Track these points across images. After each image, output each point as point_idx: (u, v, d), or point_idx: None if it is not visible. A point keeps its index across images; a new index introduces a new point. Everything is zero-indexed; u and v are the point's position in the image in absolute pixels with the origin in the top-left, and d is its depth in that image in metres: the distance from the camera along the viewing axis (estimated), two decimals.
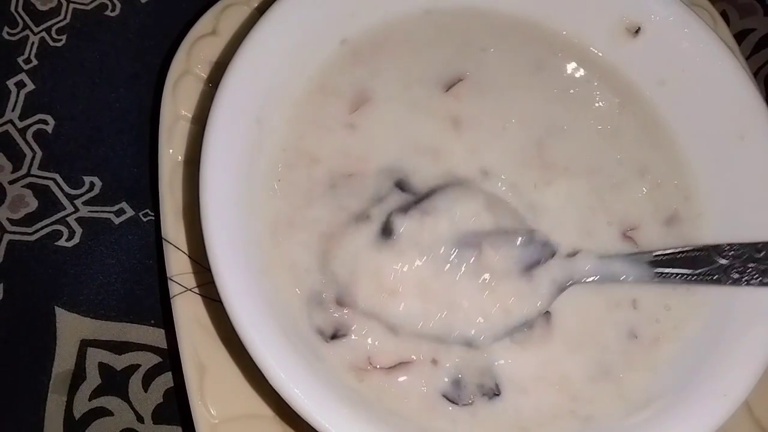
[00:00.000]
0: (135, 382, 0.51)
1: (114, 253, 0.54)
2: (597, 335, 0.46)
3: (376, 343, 0.44)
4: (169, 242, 0.48)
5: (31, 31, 0.59)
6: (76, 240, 0.54)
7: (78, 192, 0.55)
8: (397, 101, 0.49)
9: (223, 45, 0.53)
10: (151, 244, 0.54)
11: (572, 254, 0.47)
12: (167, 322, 0.52)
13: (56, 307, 0.52)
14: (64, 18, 0.59)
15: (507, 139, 0.49)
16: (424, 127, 0.49)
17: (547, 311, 0.45)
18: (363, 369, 0.43)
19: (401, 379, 0.44)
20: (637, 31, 0.51)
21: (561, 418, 0.44)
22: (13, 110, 0.56)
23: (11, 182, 0.55)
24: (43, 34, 0.59)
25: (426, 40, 0.52)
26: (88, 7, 0.60)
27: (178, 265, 0.48)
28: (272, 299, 0.42)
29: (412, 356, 0.44)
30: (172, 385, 0.51)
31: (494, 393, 0.44)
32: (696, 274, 0.46)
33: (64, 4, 0.60)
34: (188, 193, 0.49)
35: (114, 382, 0.51)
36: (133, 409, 0.51)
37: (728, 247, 0.46)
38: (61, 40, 0.59)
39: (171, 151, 0.50)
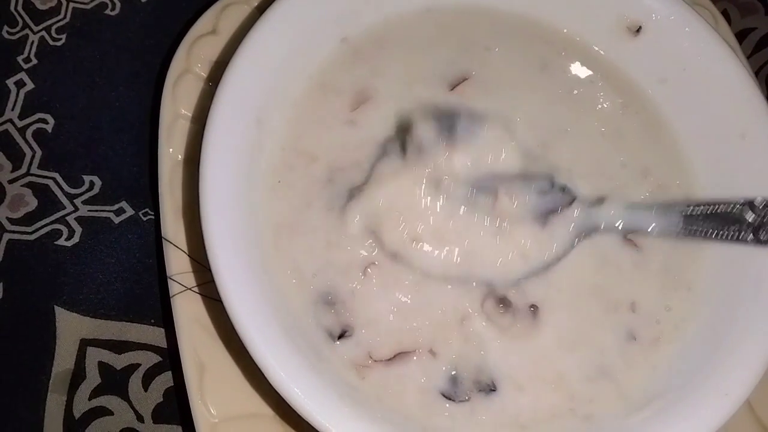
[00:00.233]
0: (135, 381, 0.51)
1: (114, 252, 0.54)
2: (593, 337, 0.46)
3: (378, 338, 0.44)
4: (168, 241, 0.48)
5: (31, 30, 0.59)
6: (75, 239, 0.54)
7: (78, 191, 0.55)
8: (400, 99, 0.49)
9: (223, 44, 0.53)
10: (151, 243, 0.54)
11: (598, 201, 0.47)
12: (167, 322, 0.52)
13: (56, 307, 0.52)
14: (64, 17, 0.59)
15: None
16: None
17: (534, 305, 0.45)
18: (364, 365, 0.43)
19: (400, 371, 0.44)
20: (638, 30, 0.51)
21: (560, 417, 0.44)
22: (12, 109, 0.56)
23: (11, 181, 0.55)
24: (43, 33, 0.59)
25: (428, 38, 0.52)
26: (88, 6, 0.60)
27: (177, 264, 0.48)
28: (272, 298, 0.42)
29: (411, 348, 0.44)
30: (172, 384, 0.51)
31: (490, 389, 0.44)
32: (724, 232, 0.45)
33: (64, 3, 0.60)
34: (188, 192, 0.49)
35: (114, 382, 0.51)
36: (133, 408, 0.50)
37: (762, 201, 0.45)
38: (60, 39, 0.59)
39: (171, 150, 0.50)
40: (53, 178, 0.55)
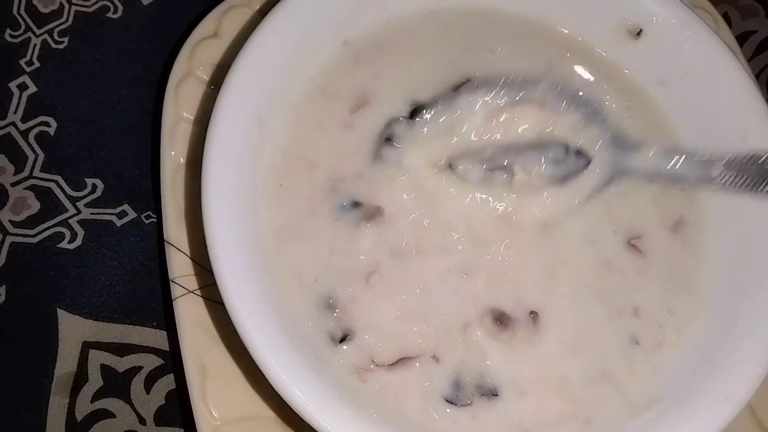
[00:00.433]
0: (137, 383, 0.51)
1: (116, 255, 0.54)
2: (596, 342, 0.46)
3: (380, 344, 0.44)
4: (171, 244, 0.48)
5: (33, 33, 0.59)
6: (78, 242, 0.54)
7: (80, 194, 0.55)
8: (401, 102, 0.49)
9: (225, 47, 0.53)
10: (153, 246, 0.54)
11: (636, 145, 0.48)
12: (169, 324, 0.52)
13: (58, 309, 0.52)
14: (66, 20, 0.59)
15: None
16: None
17: (534, 312, 0.45)
18: (366, 369, 0.43)
19: (403, 375, 0.44)
20: (639, 33, 0.51)
21: (563, 421, 0.44)
22: (15, 112, 0.56)
23: (13, 184, 0.55)
24: (45, 36, 0.59)
25: (430, 40, 0.51)
26: (90, 9, 0.60)
27: (180, 267, 0.48)
28: (274, 301, 0.42)
29: (414, 353, 0.44)
30: (174, 387, 0.51)
31: (492, 393, 0.44)
32: (758, 183, 0.46)
33: (66, 6, 0.60)
34: (190, 195, 0.49)
35: (116, 384, 0.51)
36: (135, 410, 0.51)
37: None
38: (63, 42, 0.59)
39: (173, 153, 0.50)
40: (56, 181, 0.55)
